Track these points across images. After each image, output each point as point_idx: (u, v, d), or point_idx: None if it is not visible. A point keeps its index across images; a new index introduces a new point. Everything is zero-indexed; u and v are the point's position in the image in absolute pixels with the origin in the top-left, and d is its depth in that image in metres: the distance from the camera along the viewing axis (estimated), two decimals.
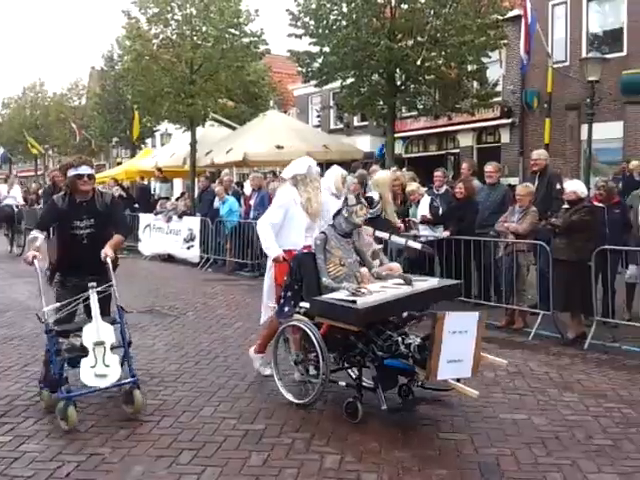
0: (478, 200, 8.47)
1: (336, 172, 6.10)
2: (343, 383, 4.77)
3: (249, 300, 9.15)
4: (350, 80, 15.75)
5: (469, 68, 16.00)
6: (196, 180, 16.01)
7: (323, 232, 5.11)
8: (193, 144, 17.03)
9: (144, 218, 15.11)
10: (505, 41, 16.12)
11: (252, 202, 11.76)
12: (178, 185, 27.04)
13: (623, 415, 4.65)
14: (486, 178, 8.61)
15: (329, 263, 4.96)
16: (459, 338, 4.14)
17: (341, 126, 25.96)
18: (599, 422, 4.49)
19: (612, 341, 6.65)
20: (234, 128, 18.61)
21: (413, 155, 23.70)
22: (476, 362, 4.30)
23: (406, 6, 14.74)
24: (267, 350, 5.50)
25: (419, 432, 4.34)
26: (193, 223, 13.41)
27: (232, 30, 16.28)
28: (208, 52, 15.99)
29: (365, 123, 23.81)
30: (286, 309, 4.97)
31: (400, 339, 4.41)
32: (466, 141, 21.76)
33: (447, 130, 21.64)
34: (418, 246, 7.74)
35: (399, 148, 22.33)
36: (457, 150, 22.12)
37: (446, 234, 8.21)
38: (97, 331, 4.48)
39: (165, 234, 14.22)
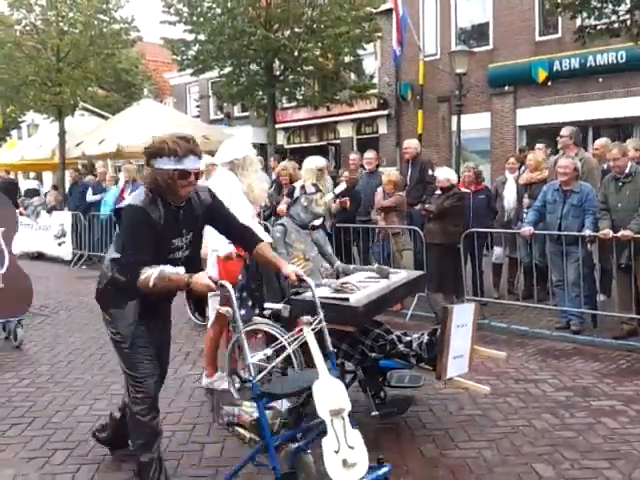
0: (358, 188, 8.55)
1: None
2: None
3: None
4: (228, 69, 15.60)
5: (346, 60, 16.32)
6: (67, 173, 15.22)
7: (281, 223, 4.63)
8: (62, 135, 16.15)
9: None
10: (379, 34, 16.57)
11: (126, 195, 11.35)
12: (48, 179, 25.56)
13: (491, 386, 4.87)
14: (365, 165, 8.80)
15: (292, 258, 4.42)
16: (461, 332, 3.90)
17: (222, 116, 25.62)
18: (469, 394, 4.70)
19: (482, 318, 6.99)
20: (106, 118, 17.85)
21: (295, 145, 23.88)
22: (471, 355, 4.08)
23: None
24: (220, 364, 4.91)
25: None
26: (64, 218, 12.71)
27: (101, 16, 15.59)
28: (75, 39, 15.22)
29: (246, 114, 23.66)
30: (243, 312, 4.27)
31: (395, 337, 4.06)
32: (346, 132, 22.20)
33: (327, 121, 21.99)
34: None
35: (281, 139, 22.42)
36: (338, 141, 22.53)
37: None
38: (332, 393, 2.97)
39: (34, 230, 13.37)
